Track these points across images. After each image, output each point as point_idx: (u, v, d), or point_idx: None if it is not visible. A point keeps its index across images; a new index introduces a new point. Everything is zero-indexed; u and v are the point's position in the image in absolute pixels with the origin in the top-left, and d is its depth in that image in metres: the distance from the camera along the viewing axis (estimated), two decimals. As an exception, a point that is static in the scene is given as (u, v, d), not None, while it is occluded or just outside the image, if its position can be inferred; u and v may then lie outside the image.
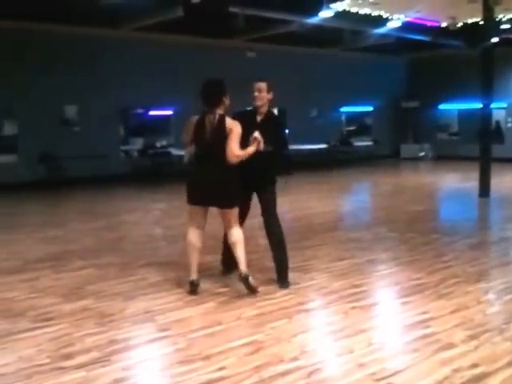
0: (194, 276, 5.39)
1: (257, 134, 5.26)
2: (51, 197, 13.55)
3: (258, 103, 5.66)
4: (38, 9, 12.37)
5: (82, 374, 3.73)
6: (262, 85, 5.73)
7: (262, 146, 5.26)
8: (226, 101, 5.48)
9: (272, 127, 5.67)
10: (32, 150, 14.56)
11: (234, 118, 5.50)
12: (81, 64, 14.98)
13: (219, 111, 5.35)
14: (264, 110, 5.71)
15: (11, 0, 10.95)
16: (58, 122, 15.16)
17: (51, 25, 14.17)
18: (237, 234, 5.46)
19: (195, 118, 5.40)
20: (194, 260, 5.41)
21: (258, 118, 5.71)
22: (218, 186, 5.30)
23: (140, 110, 17.35)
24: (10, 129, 15.11)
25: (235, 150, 5.20)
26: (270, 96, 5.74)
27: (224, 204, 5.40)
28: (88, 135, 15.06)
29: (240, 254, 5.37)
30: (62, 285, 5.81)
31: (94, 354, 4.01)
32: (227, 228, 5.51)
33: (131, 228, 9.17)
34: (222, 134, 5.24)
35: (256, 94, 5.67)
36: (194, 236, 5.46)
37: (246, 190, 5.63)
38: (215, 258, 6.36)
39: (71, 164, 14.55)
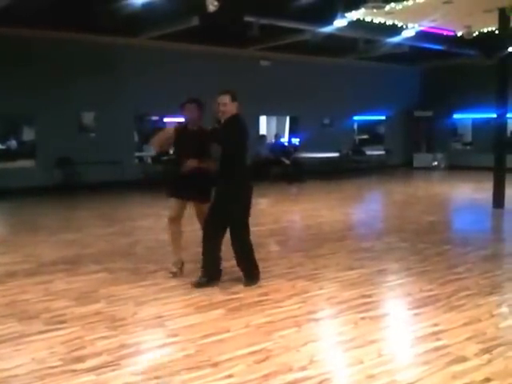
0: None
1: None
2: (67, 201, 13.68)
3: (222, 117, 5.92)
4: (58, 17, 12.55)
5: (92, 377, 3.77)
6: (226, 98, 5.94)
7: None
8: None
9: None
10: (49, 155, 14.77)
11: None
12: (98, 72, 15.16)
13: None
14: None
15: (30, 9, 11.10)
16: (76, 129, 15.34)
17: (70, 33, 14.39)
18: None
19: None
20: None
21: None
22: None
23: (155, 118, 17.46)
24: (28, 135, 15.34)
25: None
26: (234, 106, 5.94)
27: None
28: (104, 141, 15.20)
29: None
30: (75, 288, 5.87)
31: (105, 358, 4.04)
32: None
33: (144, 233, 9.21)
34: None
35: (221, 108, 5.91)
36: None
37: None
38: (227, 265, 6.39)
39: (87, 169, 14.69)
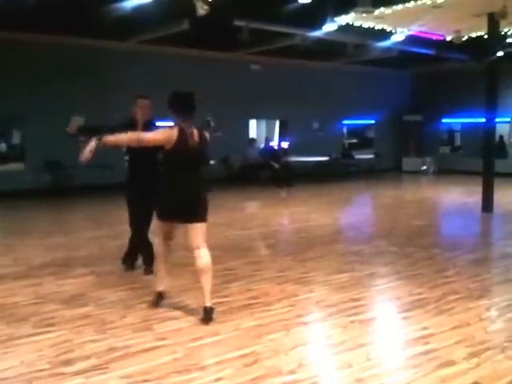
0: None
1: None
2: (56, 204, 13.63)
3: (142, 119, 6.33)
4: (47, 20, 12.50)
5: (80, 380, 3.76)
6: (146, 102, 6.43)
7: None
8: None
9: None
10: (38, 158, 14.69)
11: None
12: (88, 75, 15.10)
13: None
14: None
15: (20, 12, 11.07)
16: (65, 132, 15.21)
17: (60, 36, 14.36)
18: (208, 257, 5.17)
19: (175, 131, 5.12)
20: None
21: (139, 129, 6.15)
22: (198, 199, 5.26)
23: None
24: (17, 137, 15.28)
25: None
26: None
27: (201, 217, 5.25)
28: (94, 145, 15.11)
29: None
30: (64, 291, 5.85)
31: (93, 361, 4.03)
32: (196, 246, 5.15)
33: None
34: (206, 147, 5.46)
35: (142, 110, 6.37)
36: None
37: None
38: (217, 268, 6.37)
39: (76, 173, 14.62)
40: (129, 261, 6.77)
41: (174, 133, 5.08)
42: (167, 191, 5.13)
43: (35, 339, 4.47)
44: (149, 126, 6.20)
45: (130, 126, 6.06)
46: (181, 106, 5.33)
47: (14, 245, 8.43)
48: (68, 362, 4.02)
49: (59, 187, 14.64)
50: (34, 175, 14.64)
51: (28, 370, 3.90)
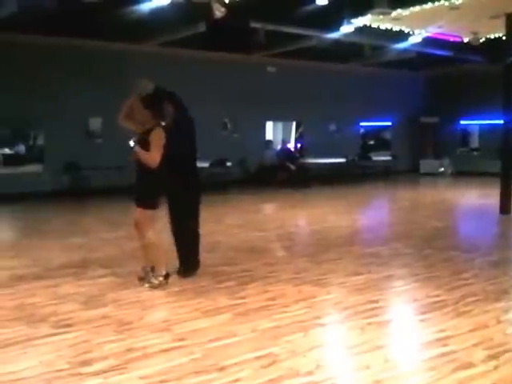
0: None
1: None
2: (74, 206, 13.76)
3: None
4: (66, 24, 12.64)
5: (99, 380, 3.78)
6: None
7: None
8: None
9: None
10: (57, 160, 14.86)
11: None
12: (106, 78, 15.23)
13: None
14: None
15: (39, 15, 11.20)
16: (83, 134, 15.44)
17: (78, 39, 14.53)
18: None
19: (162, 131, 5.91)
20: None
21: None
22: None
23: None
24: (36, 139, 15.46)
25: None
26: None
27: None
28: (111, 147, 15.25)
29: None
30: (82, 292, 5.89)
31: (112, 362, 4.05)
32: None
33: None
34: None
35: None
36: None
37: None
38: (234, 269, 6.42)
39: (94, 174, 14.75)
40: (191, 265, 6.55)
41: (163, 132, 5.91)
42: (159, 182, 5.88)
43: (54, 339, 4.50)
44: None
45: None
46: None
47: (32, 246, 8.52)
48: (86, 363, 4.04)
49: (77, 189, 14.78)
50: (52, 177, 14.79)
51: (47, 370, 3.93)
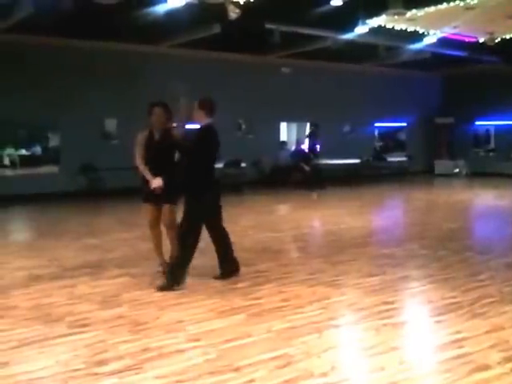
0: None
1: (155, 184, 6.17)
2: (90, 207, 13.86)
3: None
4: (81, 26, 12.73)
5: (115, 380, 3.81)
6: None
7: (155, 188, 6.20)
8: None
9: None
10: (73, 161, 14.96)
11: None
12: (121, 79, 15.32)
13: None
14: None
15: (54, 18, 11.29)
16: (99, 135, 15.54)
17: (93, 41, 14.63)
18: None
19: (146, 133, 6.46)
20: None
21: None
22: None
23: (175, 124, 17.53)
24: (52, 141, 15.58)
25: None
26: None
27: None
28: (126, 148, 15.30)
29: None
30: (98, 292, 5.94)
31: (127, 362, 4.09)
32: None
33: (165, 239, 9.24)
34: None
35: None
36: None
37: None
38: (248, 270, 6.43)
39: (110, 175, 14.83)
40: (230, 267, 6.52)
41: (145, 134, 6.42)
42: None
43: (70, 339, 4.55)
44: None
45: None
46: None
47: (49, 246, 8.59)
48: (102, 362, 4.08)
49: (92, 190, 14.88)
50: (68, 178, 14.90)
51: (63, 369, 3.97)
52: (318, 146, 18.91)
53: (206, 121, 6.20)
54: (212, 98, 6.34)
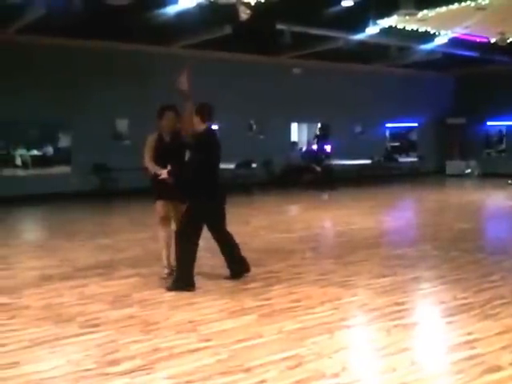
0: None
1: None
2: (102, 207, 13.93)
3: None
4: (93, 27, 12.80)
5: (126, 380, 3.81)
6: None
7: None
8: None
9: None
10: (85, 161, 15.04)
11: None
12: (132, 80, 15.37)
13: None
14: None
15: (67, 19, 11.36)
16: (110, 136, 15.61)
17: (105, 42, 14.70)
18: None
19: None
20: None
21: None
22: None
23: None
24: (64, 141, 15.67)
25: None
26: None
27: None
28: (137, 148, 15.34)
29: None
30: (109, 292, 5.95)
31: (138, 362, 4.09)
32: None
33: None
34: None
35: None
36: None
37: None
38: (259, 271, 6.44)
39: (121, 176, 14.88)
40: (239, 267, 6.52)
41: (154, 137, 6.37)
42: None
43: (81, 339, 4.55)
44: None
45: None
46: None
47: (60, 246, 8.63)
48: (113, 362, 4.08)
49: (104, 190, 14.94)
50: (80, 178, 14.98)
51: (74, 369, 3.98)
52: (326, 147, 18.90)
53: (204, 126, 6.17)
54: (210, 103, 6.29)
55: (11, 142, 15.13)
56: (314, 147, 19.37)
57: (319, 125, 20.39)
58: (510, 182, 17.69)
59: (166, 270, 6.52)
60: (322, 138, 18.98)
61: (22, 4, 11.25)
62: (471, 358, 4.13)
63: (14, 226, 11.23)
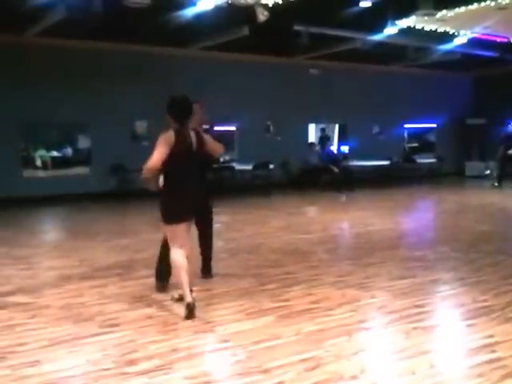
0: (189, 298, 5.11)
1: None
2: (121, 207, 14.02)
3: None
4: (111, 29, 12.90)
5: (144, 380, 3.82)
6: (197, 106, 6.04)
7: None
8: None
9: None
10: (104, 162, 15.17)
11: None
12: (151, 81, 15.44)
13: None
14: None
15: (85, 22, 11.47)
16: (129, 137, 15.71)
17: (123, 44, 14.80)
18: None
19: (171, 135, 5.38)
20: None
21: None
22: (199, 198, 5.53)
23: (205, 126, 17.60)
24: (83, 142, 15.82)
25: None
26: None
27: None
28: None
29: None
30: (128, 292, 5.99)
31: (157, 362, 4.10)
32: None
33: (193, 240, 9.28)
34: (204, 148, 5.56)
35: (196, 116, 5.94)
36: (180, 256, 5.26)
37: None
38: (277, 272, 6.42)
39: (140, 176, 14.96)
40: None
41: (171, 135, 5.36)
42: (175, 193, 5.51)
43: (100, 339, 4.59)
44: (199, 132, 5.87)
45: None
46: (180, 111, 5.55)
47: (79, 246, 8.69)
48: (132, 362, 4.10)
49: (123, 190, 15.03)
50: (99, 179, 15.10)
51: (93, 368, 4.01)
52: (332, 149, 18.87)
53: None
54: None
55: (31, 143, 15.30)
56: (332, 148, 19.31)
57: (320, 128, 20.36)
58: (495, 184, 17.65)
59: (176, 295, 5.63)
60: (324, 142, 18.90)
61: (43, 7, 11.35)
62: (491, 361, 4.09)
63: (34, 227, 11.35)
